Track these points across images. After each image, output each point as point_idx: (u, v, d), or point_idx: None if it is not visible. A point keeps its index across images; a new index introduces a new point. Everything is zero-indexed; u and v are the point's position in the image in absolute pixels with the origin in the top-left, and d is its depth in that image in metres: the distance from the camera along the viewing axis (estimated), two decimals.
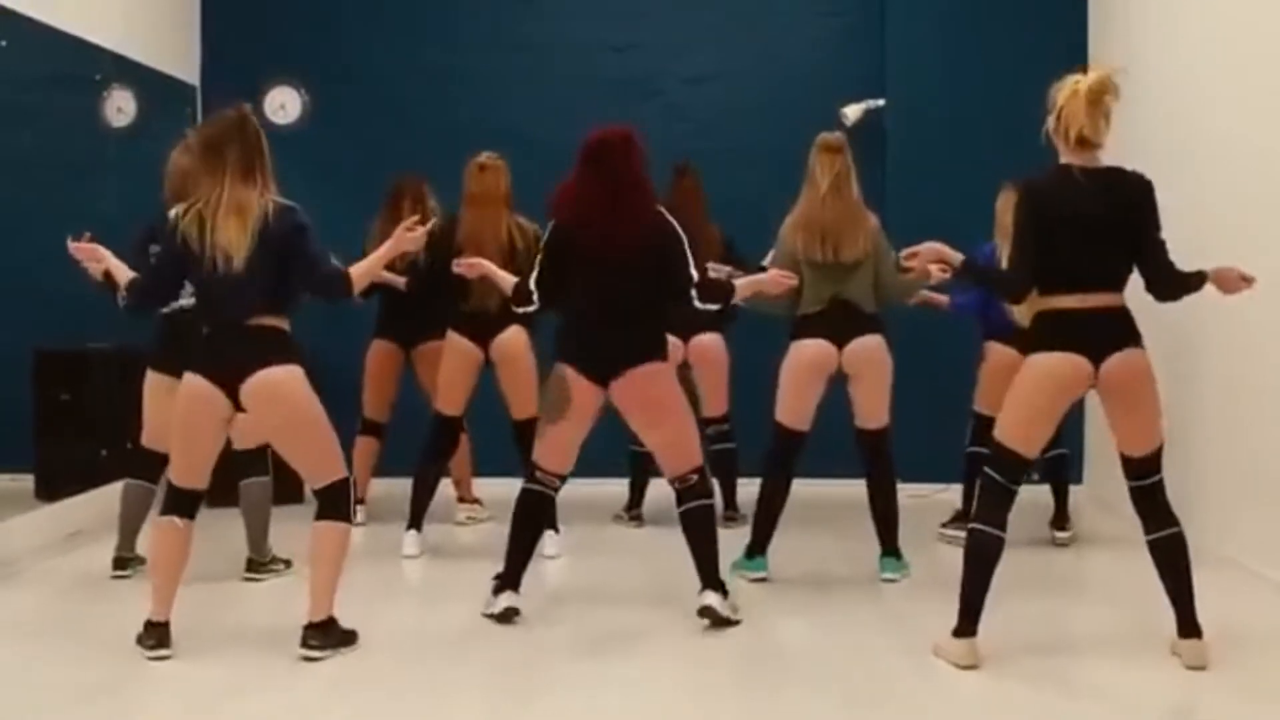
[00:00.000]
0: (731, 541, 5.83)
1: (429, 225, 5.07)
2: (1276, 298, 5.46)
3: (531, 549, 5.08)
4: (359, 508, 6.91)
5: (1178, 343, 6.17)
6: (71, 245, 4.88)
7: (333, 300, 4.65)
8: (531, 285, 5.01)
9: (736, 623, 4.95)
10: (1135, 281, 4.45)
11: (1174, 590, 4.38)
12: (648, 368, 4.90)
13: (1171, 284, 4.43)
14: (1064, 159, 4.35)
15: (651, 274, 4.89)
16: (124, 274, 4.76)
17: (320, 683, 4.35)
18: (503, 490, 6.65)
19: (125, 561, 5.68)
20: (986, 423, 6.03)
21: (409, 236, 4.80)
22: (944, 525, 6.47)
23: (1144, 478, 4.40)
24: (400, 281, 6.40)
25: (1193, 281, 4.45)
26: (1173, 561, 4.38)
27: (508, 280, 5.18)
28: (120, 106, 7.35)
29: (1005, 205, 5.99)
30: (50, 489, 6.55)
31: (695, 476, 4.98)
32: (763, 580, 5.62)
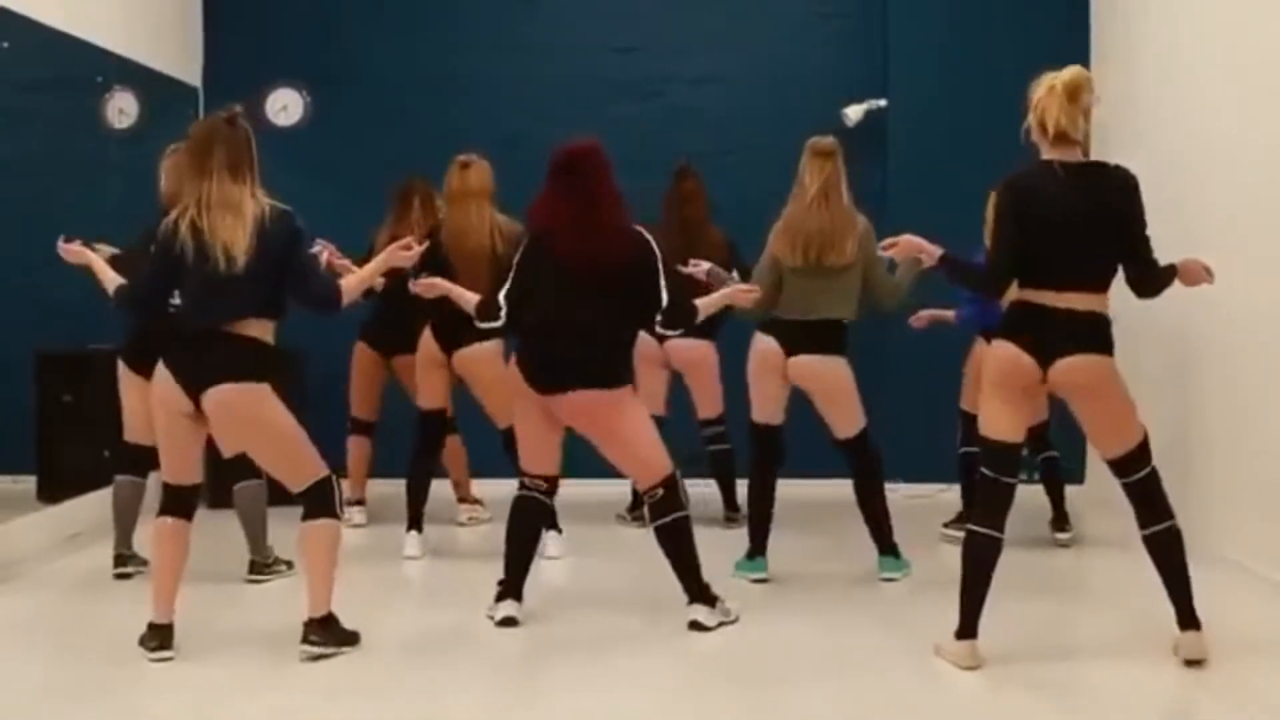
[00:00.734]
0: (734, 541, 5.84)
1: (424, 245, 5.07)
2: (1277, 301, 5.47)
3: (529, 555, 5.07)
4: (359, 508, 6.94)
5: (1178, 345, 6.18)
6: (61, 246, 4.92)
7: (320, 311, 4.61)
8: (500, 299, 4.94)
9: (733, 622, 4.96)
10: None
11: (1171, 583, 4.38)
12: (591, 394, 4.83)
13: (1153, 281, 4.42)
14: (1044, 155, 4.35)
15: (619, 293, 4.84)
16: (109, 278, 4.76)
17: (322, 684, 4.36)
18: (503, 491, 6.66)
19: (125, 559, 5.70)
20: (973, 420, 6.06)
21: (401, 255, 4.80)
22: (946, 525, 6.46)
23: (1128, 475, 4.39)
24: (380, 282, 6.37)
25: (1166, 276, 4.44)
26: (1168, 555, 4.38)
27: (468, 298, 5.08)
28: (122, 108, 7.36)
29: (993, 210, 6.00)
30: (52, 491, 6.56)
31: (661, 490, 4.92)
32: (763, 581, 5.62)
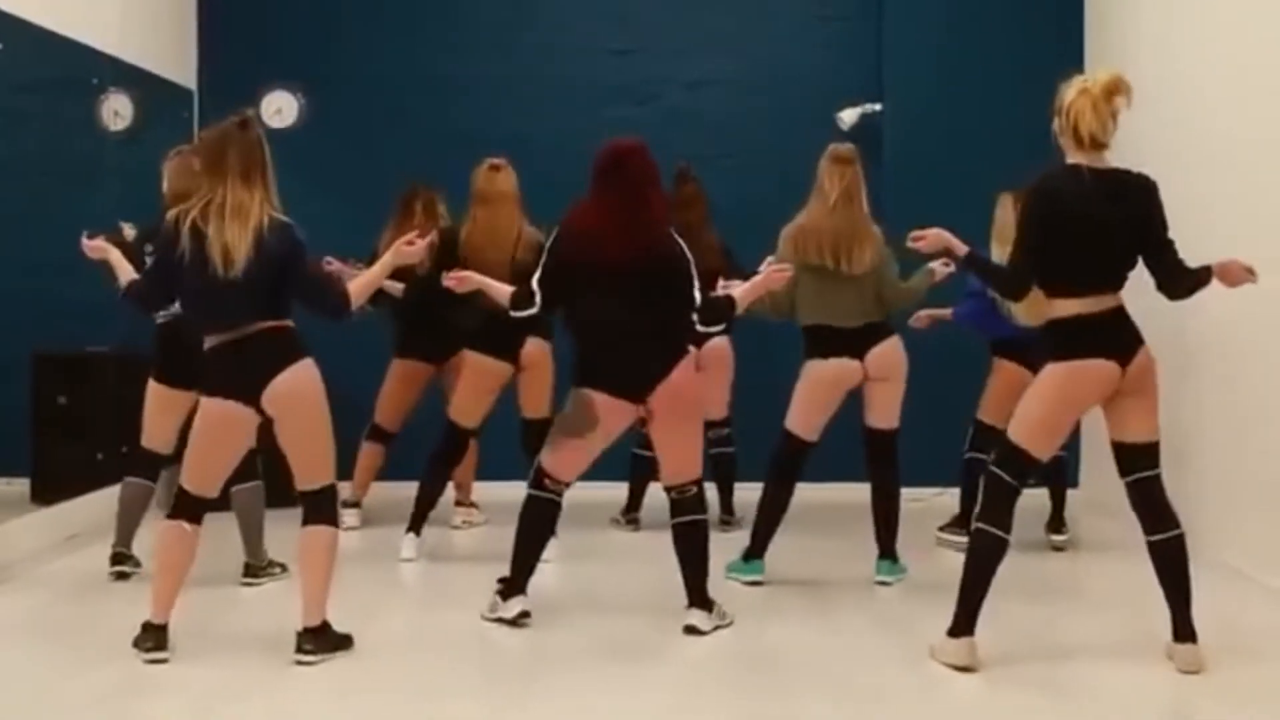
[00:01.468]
0: (727, 545, 5.84)
1: (428, 239, 5.04)
2: (1276, 301, 5.47)
3: (539, 554, 5.07)
4: (354, 511, 6.92)
5: (1178, 347, 6.18)
6: (85, 243, 4.94)
7: (329, 317, 4.62)
8: (534, 285, 4.91)
9: (728, 625, 4.96)
10: (1135, 284, 4.45)
11: (1172, 593, 4.38)
12: (678, 374, 4.85)
13: (1183, 282, 4.43)
14: (1071, 159, 4.33)
15: (661, 293, 4.84)
16: (125, 272, 4.80)
17: (317, 686, 4.35)
18: (504, 493, 6.67)
19: (123, 558, 5.68)
20: (987, 430, 6.06)
21: (407, 251, 4.79)
22: (942, 529, 6.47)
23: (1144, 469, 4.38)
24: (398, 288, 6.39)
25: (1201, 277, 4.45)
26: (1172, 564, 4.37)
27: (502, 290, 5.05)
28: (117, 110, 7.35)
29: (1004, 212, 6.00)
30: (47, 493, 6.54)
31: (694, 488, 4.96)
32: (758, 584, 5.62)
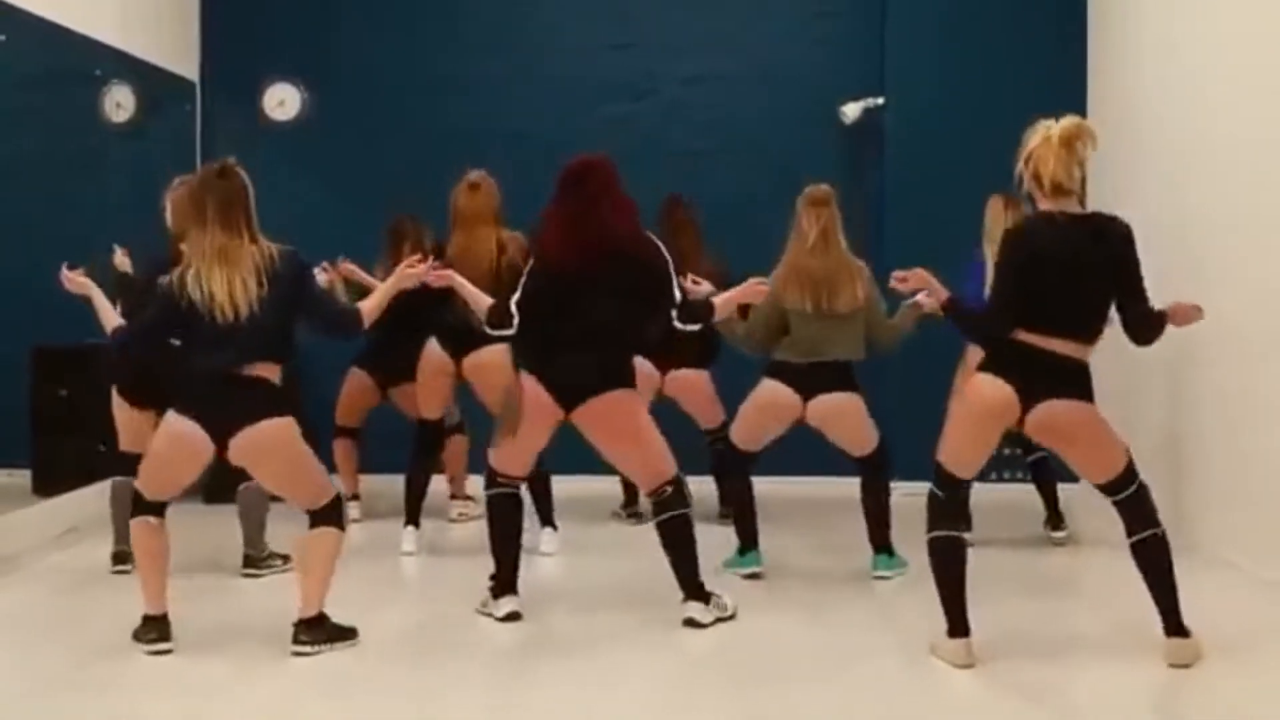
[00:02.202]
0: (727, 538, 5.84)
1: (429, 263, 5.11)
2: (1273, 303, 5.48)
3: (517, 550, 5.09)
4: (354, 504, 6.94)
5: (1174, 348, 6.17)
6: (65, 274, 4.92)
7: (343, 337, 4.75)
8: (512, 307, 4.94)
9: (730, 618, 4.97)
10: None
11: (1158, 591, 4.40)
12: (610, 396, 4.87)
13: (1149, 327, 4.42)
14: (1042, 206, 4.33)
15: (625, 294, 4.85)
16: (109, 317, 4.80)
17: (318, 677, 4.37)
18: None
19: (124, 555, 5.68)
20: None
21: (410, 274, 4.89)
22: None
23: (1116, 493, 4.42)
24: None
25: (1160, 321, 4.45)
26: (1155, 563, 4.39)
27: (479, 299, 5.09)
28: (120, 102, 7.35)
29: (994, 215, 6.02)
30: (48, 485, 6.56)
31: (669, 489, 4.96)
32: (756, 576, 5.63)
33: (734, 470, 5.77)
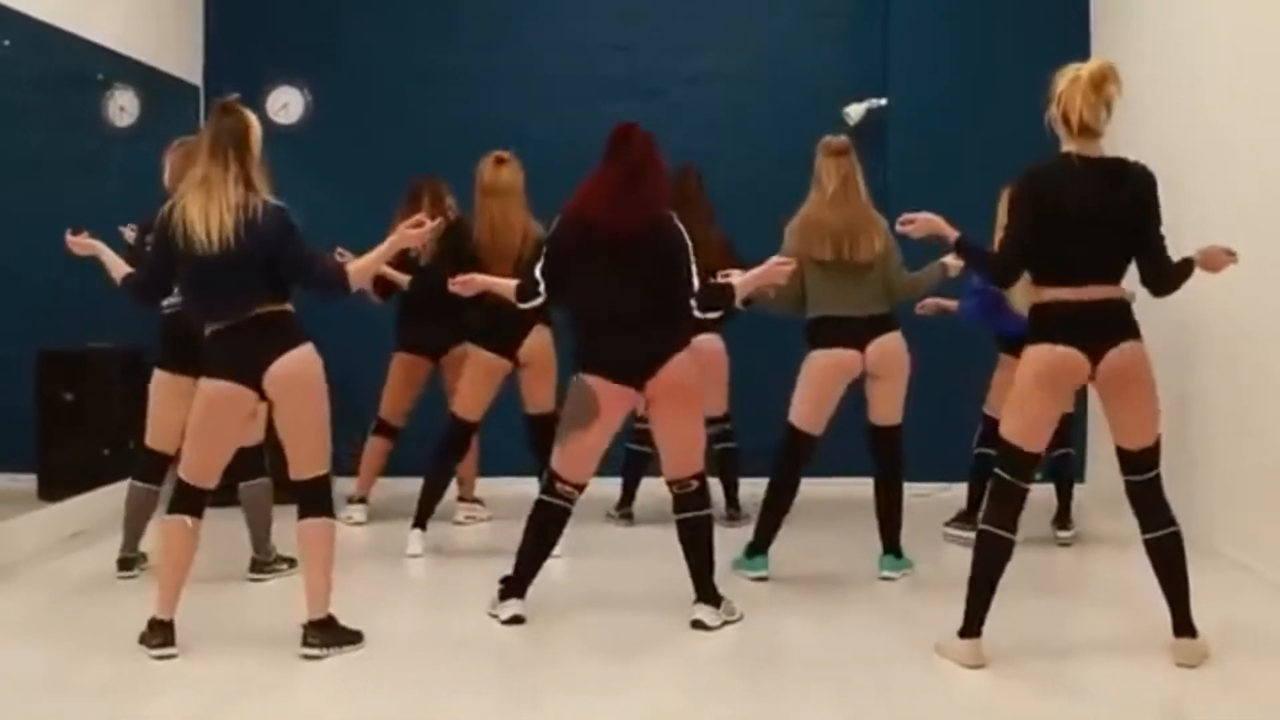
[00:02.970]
0: (732, 540, 5.84)
1: (434, 223, 5.04)
2: (1278, 296, 5.47)
3: (543, 560, 5.07)
4: (361, 506, 6.94)
5: (1182, 343, 6.18)
6: (69, 238, 4.96)
7: (331, 297, 4.66)
8: (537, 274, 4.90)
9: (737, 621, 4.96)
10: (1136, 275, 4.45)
11: (1170, 589, 4.39)
12: (676, 361, 4.84)
13: (1168, 278, 4.42)
14: (1065, 147, 4.34)
15: (658, 272, 4.84)
16: (118, 267, 4.84)
17: (324, 682, 4.36)
18: (507, 490, 6.68)
19: (130, 562, 5.69)
20: (995, 425, 6.06)
21: (411, 234, 4.80)
22: (948, 524, 6.47)
23: (1141, 472, 4.39)
24: (404, 281, 6.40)
25: (1184, 269, 4.44)
26: (1170, 561, 4.38)
27: (507, 286, 5.05)
28: (123, 106, 7.36)
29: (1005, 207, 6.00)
30: (53, 489, 6.55)
31: (695, 483, 4.95)
32: (763, 579, 5.62)
33: (788, 464, 5.63)
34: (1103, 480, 7.25)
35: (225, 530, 5.93)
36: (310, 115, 8.25)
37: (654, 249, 4.83)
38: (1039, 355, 4.35)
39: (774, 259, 5.19)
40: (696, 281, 4.86)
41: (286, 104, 8.24)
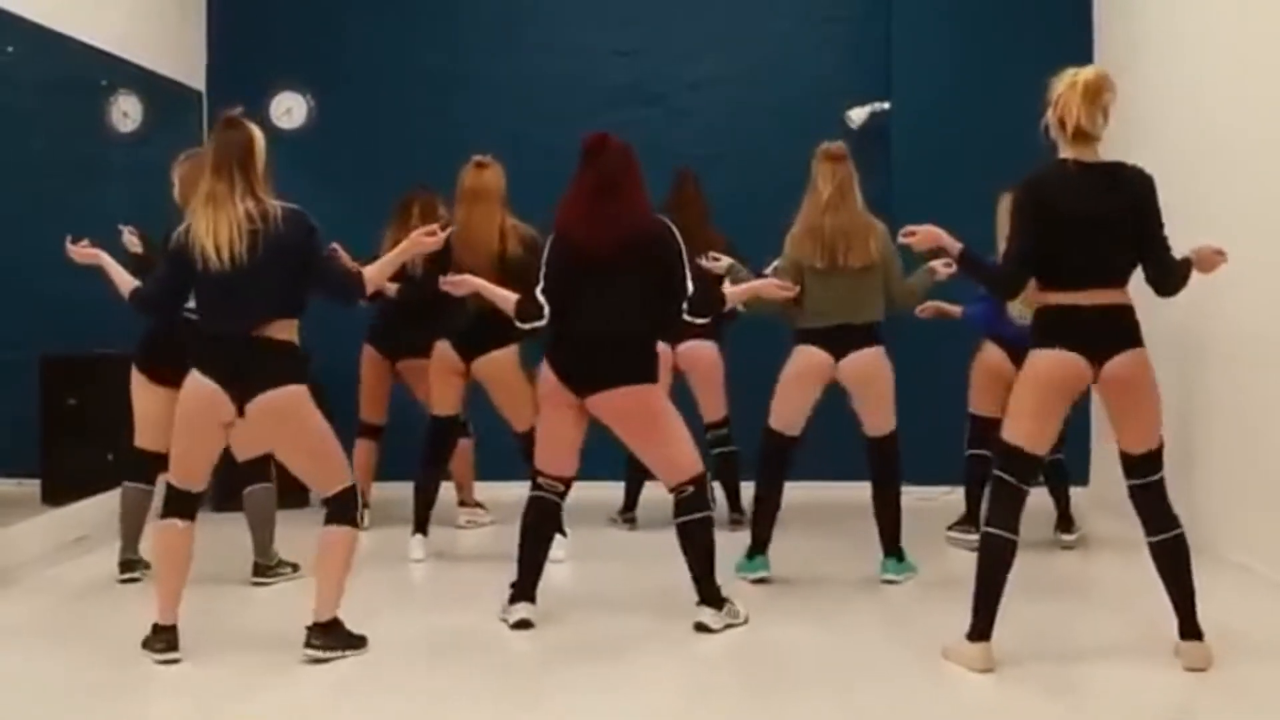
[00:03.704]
0: (737, 544, 5.84)
1: (446, 232, 5.06)
2: None
3: (541, 558, 5.06)
4: (364, 511, 6.94)
5: (1184, 346, 6.17)
6: (70, 247, 4.95)
7: (347, 302, 4.69)
8: (540, 296, 4.89)
9: (742, 624, 4.96)
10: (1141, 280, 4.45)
11: (1175, 592, 4.38)
12: (628, 391, 4.84)
13: (1171, 278, 4.42)
14: (1062, 153, 4.34)
15: (642, 280, 4.84)
16: (123, 279, 4.82)
17: (328, 686, 4.36)
18: (506, 494, 6.68)
19: (131, 564, 5.70)
20: (983, 423, 6.08)
21: (425, 241, 4.81)
22: (951, 528, 6.46)
23: (1144, 476, 4.38)
24: (392, 289, 6.39)
25: (1185, 270, 4.44)
26: (1174, 564, 4.37)
27: (504, 296, 5.04)
28: (126, 112, 7.37)
29: (1005, 212, 6.00)
30: (57, 494, 6.55)
31: (691, 488, 4.93)
32: (764, 581, 5.62)
33: (767, 466, 5.67)
34: (1105, 484, 7.25)
35: (229, 534, 5.94)
36: (313, 120, 8.27)
37: (632, 263, 4.82)
38: (1042, 359, 4.35)
39: (772, 280, 5.20)
40: (691, 285, 4.87)
41: (289, 109, 8.26)
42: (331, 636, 4.55)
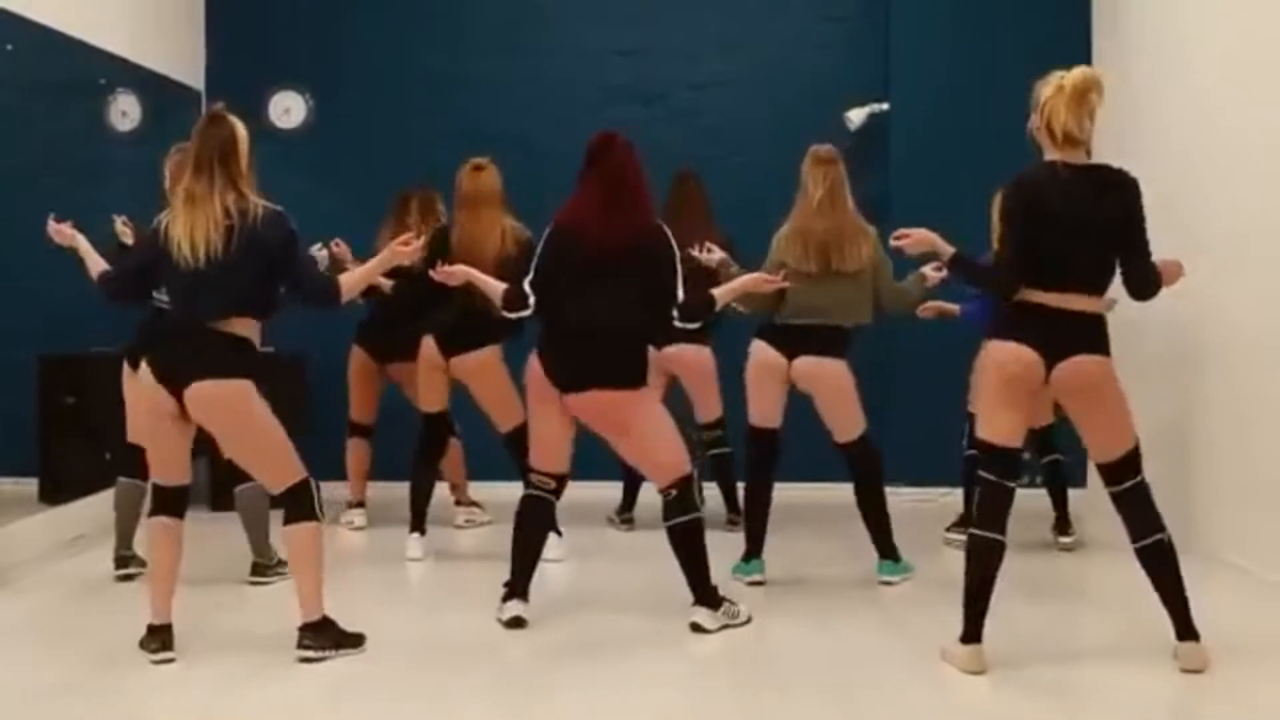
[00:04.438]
0: (735, 544, 5.83)
1: (422, 240, 5.05)
2: (1278, 298, 5.47)
3: (534, 556, 5.06)
4: (359, 511, 6.96)
5: (1181, 348, 6.18)
6: (51, 225, 4.98)
7: (320, 308, 4.65)
8: (526, 288, 4.91)
9: (742, 625, 4.96)
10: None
11: (1166, 595, 4.38)
12: (611, 394, 4.84)
13: (1149, 284, 4.40)
14: (1048, 156, 4.33)
15: (640, 281, 4.85)
16: (95, 263, 4.82)
17: (325, 686, 4.36)
18: (500, 494, 6.67)
19: (126, 560, 5.70)
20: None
21: (402, 252, 4.77)
22: (948, 529, 6.46)
23: (1121, 482, 4.39)
24: (387, 284, 6.38)
25: (1159, 277, 4.42)
26: (1162, 567, 4.37)
27: (494, 286, 5.05)
28: (125, 111, 7.37)
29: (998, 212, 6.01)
30: (54, 493, 6.56)
31: (675, 491, 4.92)
32: (760, 583, 5.62)
33: (754, 463, 5.67)
34: (1102, 486, 7.25)
35: (225, 534, 5.94)
36: (312, 120, 8.27)
37: (634, 264, 4.84)
38: (996, 351, 4.37)
39: (760, 274, 5.21)
40: (681, 292, 4.87)
41: (288, 109, 8.27)
42: (323, 635, 4.55)
